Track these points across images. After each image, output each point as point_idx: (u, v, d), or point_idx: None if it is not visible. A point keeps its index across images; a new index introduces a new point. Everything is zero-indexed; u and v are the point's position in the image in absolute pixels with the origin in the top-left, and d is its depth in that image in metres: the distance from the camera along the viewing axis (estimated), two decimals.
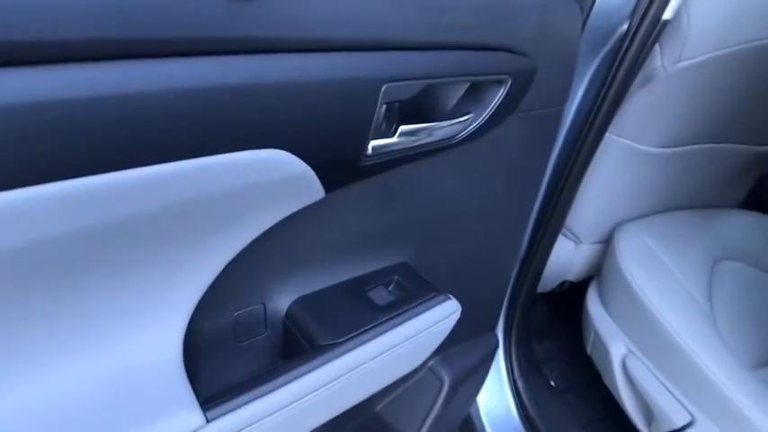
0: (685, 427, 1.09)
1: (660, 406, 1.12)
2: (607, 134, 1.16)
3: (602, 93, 1.02)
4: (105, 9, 0.34)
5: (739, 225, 1.48)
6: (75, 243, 0.41)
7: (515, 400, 1.39)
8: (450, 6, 0.56)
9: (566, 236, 1.40)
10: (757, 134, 1.39)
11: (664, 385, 1.14)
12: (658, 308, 1.17)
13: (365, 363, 0.65)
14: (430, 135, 0.63)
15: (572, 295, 1.58)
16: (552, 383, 1.52)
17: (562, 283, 1.50)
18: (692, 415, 1.09)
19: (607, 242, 1.40)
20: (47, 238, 0.39)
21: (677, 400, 1.12)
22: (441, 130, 0.64)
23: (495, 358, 1.40)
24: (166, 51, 0.38)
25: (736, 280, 1.33)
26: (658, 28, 0.99)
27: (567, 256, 1.40)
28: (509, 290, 1.33)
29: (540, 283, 1.36)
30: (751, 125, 1.36)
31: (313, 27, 0.46)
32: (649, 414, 1.19)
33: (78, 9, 0.34)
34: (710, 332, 1.13)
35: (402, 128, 0.60)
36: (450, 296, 0.76)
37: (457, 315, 0.77)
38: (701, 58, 1.10)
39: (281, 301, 0.69)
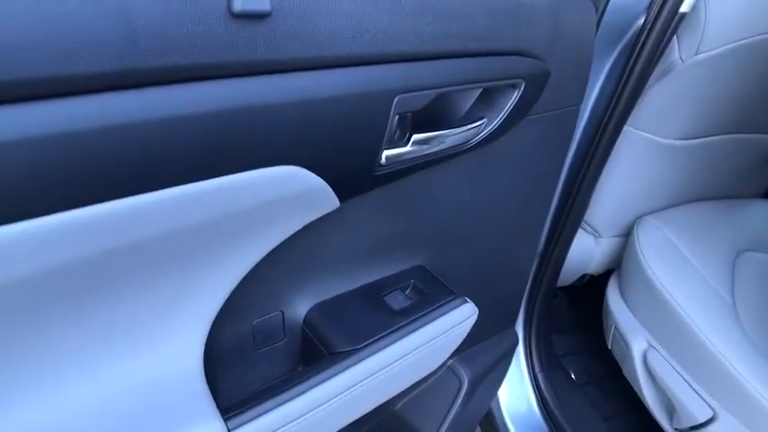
0: (707, 422, 1.08)
1: (681, 401, 1.12)
2: (626, 127, 1.15)
3: (620, 87, 1.01)
4: (119, 41, 0.35)
5: (762, 215, 1.46)
6: (101, 264, 0.42)
7: (536, 395, 1.39)
8: (461, 15, 0.56)
9: (585, 230, 1.39)
10: None
11: (685, 380, 1.14)
12: (679, 301, 1.16)
13: (383, 368, 0.66)
14: (443, 142, 0.63)
15: (592, 289, 1.57)
16: (573, 377, 1.52)
17: (582, 277, 1.49)
18: (713, 410, 1.08)
19: (627, 236, 1.39)
20: (67, 263, 0.40)
21: (699, 395, 1.11)
22: (454, 136, 0.64)
23: (516, 353, 1.41)
24: (180, 78, 0.39)
25: (759, 272, 1.31)
26: (675, 21, 0.97)
27: (586, 250, 1.39)
28: (528, 285, 1.33)
29: (561, 276, 1.35)
30: None
31: (323, 45, 0.46)
32: (671, 409, 1.18)
33: (91, 42, 0.34)
34: (732, 326, 1.12)
35: (415, 137, 0.60)
36: (467, 299, 0.76)
37: (474, 318, 0.77)
38: (719, 50, 1.08)
39: (299, 308, 0.70)
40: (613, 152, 1.15)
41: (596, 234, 1.39)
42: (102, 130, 0.37)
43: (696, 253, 1.28)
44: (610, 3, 0.94)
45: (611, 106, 1.02)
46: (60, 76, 0.34)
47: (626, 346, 1.27)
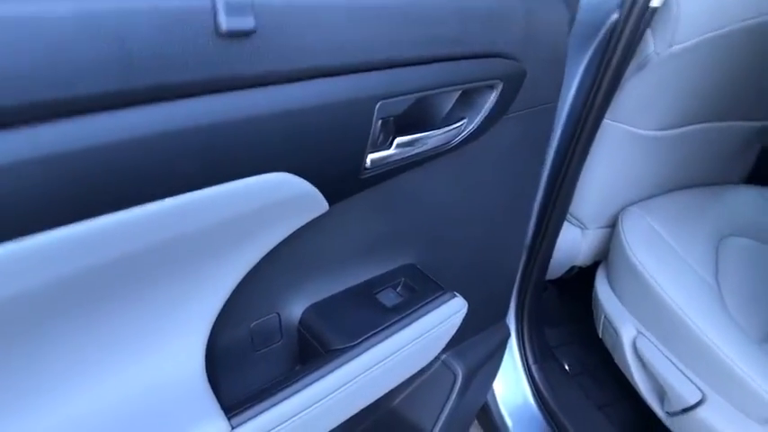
0: (697, 404, 1.11)
1: (671, 385, 1.15)
2: (606, 121, 1.18)
3: (597, 82, 1.04)
4: (116, 63, 0.38)
5: (744, 200, 1.49)
6: (99, 275, 0.44)
7: (531, 387, 1.42)
8: (436, 21, 0.59)
9: (571, 222, 1.42)
10: (754, 110, 1.40)
11: (674, 364, 1.17)
12: (665, 288, 1.19)
13: (378, 363, 0.68)
14: (425, 143, 0.66)
15: (582, 280, 1.60)
16: (567, 368, 1.55)
17: (571, 269, 1.52)
18: (702, 392, 1.11)
19: (613, 226, 1.42)
20: (73, 274, 0.42)
21: (688, 378, 1.14)
22: (436, 137, 0.67)
23: (509, 346, 1.44)
24: (173, 95, 0.41)
25: (742, 255, 1.34)
26: (648, 15, 1.01)
27: (573, 243, 1.42)
28: (518, 279, 1.35)
29: (549, 269, 1.38)
30: (748, 102, 1.37)
31: (306, 57, 0.49)
32: (662, 394, 1.21)
33: (85, 66, 0.37)
34: (718, 309, 1.15)
35: (398, 139, 0.62)
36: (457, 294, 0.79)
37: (464, 312, 0.80)
38: (692, 42, 1.12)
39: (295, 309, 0.72)
40: (595, 146, 1.18)
41: (582, 226, 1.42)
42: (103, 147, 0.39)
43: (680, 240, 1.32)
44: (583, 1, 0.97)
45: (589, 101, 1.05)
46: (61, 99, 0.36)
47: (616, 334, 1.30)
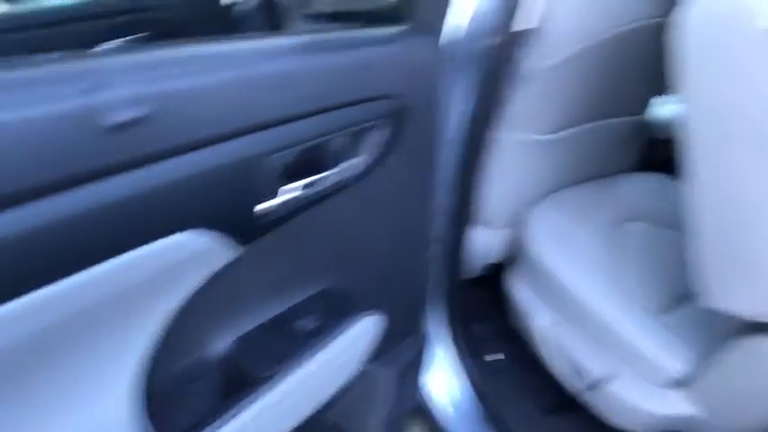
0: (610, 377, 1.23)
1: (583, 364, 1.26)
2: (502, 131, 1.29)
3: (483, 99, 1.15)
4: (30, 163, 0.44)
5: (639, 188, 1.63)
6: (19, 349, 0.49)
7: (465, 383, 1.51)
8: (313, 79, 0.67)
9: (483, 224, 1.53)
10: (632, 106, 1.56)
11: (583, 345, 1.29)
12: (569, 276, 1.31)
13: (300, 386, 0.75)
14: (321, 184, 0.73)
15: (501, 275, 1.71)
16: (499, 360, 1.65)
17: (489, 266, 1.63)
18: (612, 366, 1.23)
19: (520, 224, 1.53)
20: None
21: (597, 356, 1.26)
22: (330, 178, 0.74)
23: (441, 346, 1.52)
24: (78, 182, 0.48)
25: (640, 239, 1.47)
26: (520, 38, 1.12)
27: (487, 243, 1.53)
28: (438, 283, 1.44)
29: (468, 269, 1.48)
30: (624, 100, 1.52)
31: (198, 130, 0.56)
32: (579, 374, 1.33)
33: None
34: (618, 290, 1.28)
35: (292, 185, 0.70)
36: (371, 312, 0.87)
37: (379, 327, 0.88)
38: (565, 56, 1.25)
39: (219, 345, 0.78)
40: (494, 155, 1.29)
41: (493, 226, 1.53)
42: (16, 236, 0.45)
43: (582, 230, 1.44)
44: (462, 26, 1.06)
45: (478, 119, 1.15)
46: None
47: (529, 324, 1.41)
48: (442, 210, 1.25)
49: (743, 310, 0.97)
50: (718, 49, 0.85)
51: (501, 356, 1.70)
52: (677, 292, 1.28)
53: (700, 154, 0.92)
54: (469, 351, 1.54)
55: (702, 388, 1.13)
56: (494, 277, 1.69)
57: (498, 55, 1.10)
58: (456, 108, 1.15)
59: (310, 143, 0.68)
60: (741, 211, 0.91)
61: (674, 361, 1.15)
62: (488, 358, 1.66)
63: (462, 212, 1.28)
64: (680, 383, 1.16)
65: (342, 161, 0.75)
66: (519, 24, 1.09)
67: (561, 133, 1.44)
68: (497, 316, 1.79)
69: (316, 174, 0.72)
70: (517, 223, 1.53)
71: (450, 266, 1.40)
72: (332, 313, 0.86)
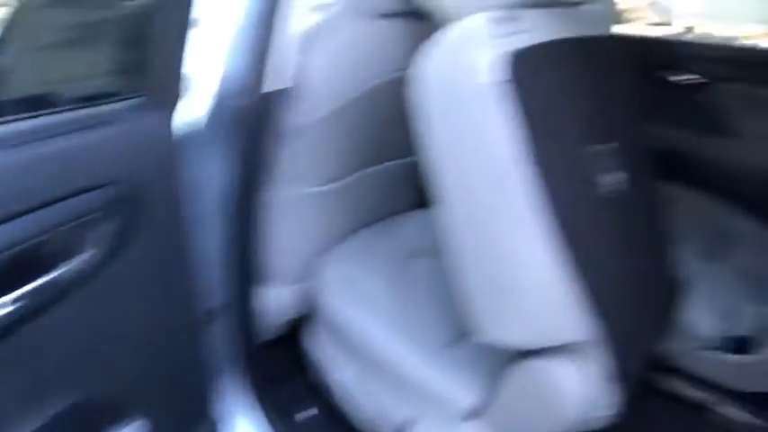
0: (410, 422, 1.24)
1: (383, 411, 1.26)
2: (271, 189, 1.26)
3: (246, 162, 1.11)
4: None
5: (421, 225, 1.70)
6: None
7: None
8: (16, 172, 0.57)
9: (272, 283, 1.48)
10: (404, 149, 1.62)
11: (384, 393, 1.29)
12: (360, 326, 1.32)
13: None
14: (45, 290, 0.64)
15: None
16: (311, 416, 1.60)
17: (287, 324, 1.58)
18: (412, 409, 1.24)
19: (311, 278, 1.51)
20: None
21: (397, 401, 1.26)
22: (55, 279, 0.65)
23: (247, 415, 1.44)
24: None
25: (425, 274, 1.52)
26: (276, 97, 1.10)
27: (277, 302, 1.48)
28: (235, 351, 1.36)
29: (264, 331, 1.42)
30: (396, 144, 1.58)
31: None
32: (385, 423, 1.32)
33: None
34: (404, 329, 1.30)
35: (6, 298, 0.59)
36: (136, 417, 0.77)
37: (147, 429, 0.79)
38: (330, 109, 1.26)
39: None
40: (274, 213, 1.26)
41: (285, 283, 1.49)
42: None
43: (369, 276, 1.46)
44: (210, 94, 1.02)
45: (245, 181, 1.11)
46: None
47: (331, 379, 1.39)
48: (220, 280, 1.19)
49: (513, 340, 1.03)
50: (449, 99, 0.92)
51: (315, 411, 1.65)
52: (463, 323, 1.33)
53: (449, 193, 0.97)
54: (278, 414, 1.48)
55: (494, 415, 1.18)
56: (295, 334, 1.66)
57: (255, 116, 1.08)
58: (219, 174, 1.10)
59: (17, 248, 0.58)
60: (495, 245, 0.97)
61: (464, 393, 1.19)
62: (301, 416, 1.59)
63: (243, 277, 1.22)
64: (473, 414, 1.20)
65: (61, 261, 0.66)
66: (272, 85, 1.08)
67: (339, 182, 1.46)
68: (301, 371, 1.75)
69: (28, 282, 0.62)
70: (308, 277, 1.51)
71: (242, 333, 1.33)
72: (88, 430, 0.75)
